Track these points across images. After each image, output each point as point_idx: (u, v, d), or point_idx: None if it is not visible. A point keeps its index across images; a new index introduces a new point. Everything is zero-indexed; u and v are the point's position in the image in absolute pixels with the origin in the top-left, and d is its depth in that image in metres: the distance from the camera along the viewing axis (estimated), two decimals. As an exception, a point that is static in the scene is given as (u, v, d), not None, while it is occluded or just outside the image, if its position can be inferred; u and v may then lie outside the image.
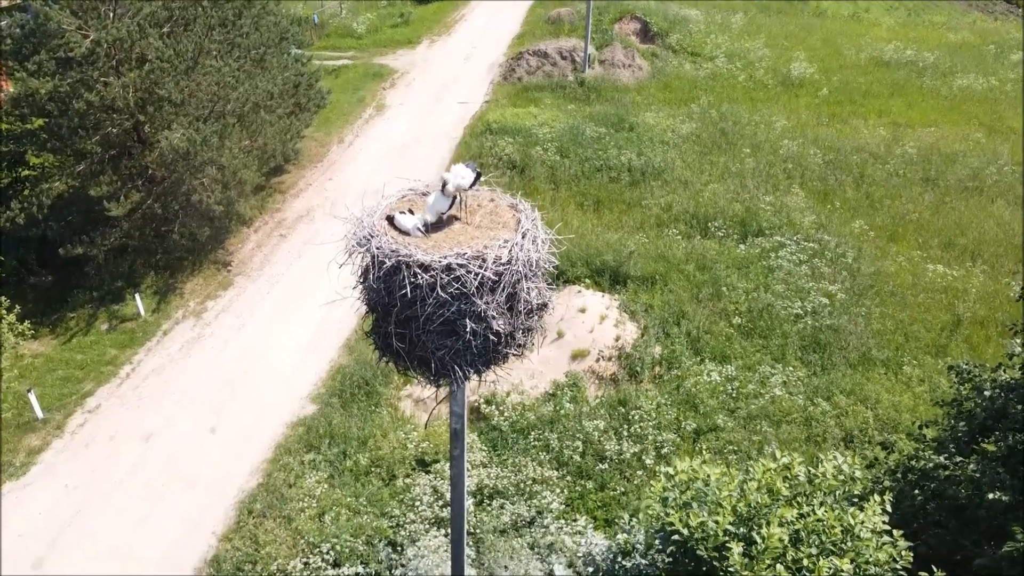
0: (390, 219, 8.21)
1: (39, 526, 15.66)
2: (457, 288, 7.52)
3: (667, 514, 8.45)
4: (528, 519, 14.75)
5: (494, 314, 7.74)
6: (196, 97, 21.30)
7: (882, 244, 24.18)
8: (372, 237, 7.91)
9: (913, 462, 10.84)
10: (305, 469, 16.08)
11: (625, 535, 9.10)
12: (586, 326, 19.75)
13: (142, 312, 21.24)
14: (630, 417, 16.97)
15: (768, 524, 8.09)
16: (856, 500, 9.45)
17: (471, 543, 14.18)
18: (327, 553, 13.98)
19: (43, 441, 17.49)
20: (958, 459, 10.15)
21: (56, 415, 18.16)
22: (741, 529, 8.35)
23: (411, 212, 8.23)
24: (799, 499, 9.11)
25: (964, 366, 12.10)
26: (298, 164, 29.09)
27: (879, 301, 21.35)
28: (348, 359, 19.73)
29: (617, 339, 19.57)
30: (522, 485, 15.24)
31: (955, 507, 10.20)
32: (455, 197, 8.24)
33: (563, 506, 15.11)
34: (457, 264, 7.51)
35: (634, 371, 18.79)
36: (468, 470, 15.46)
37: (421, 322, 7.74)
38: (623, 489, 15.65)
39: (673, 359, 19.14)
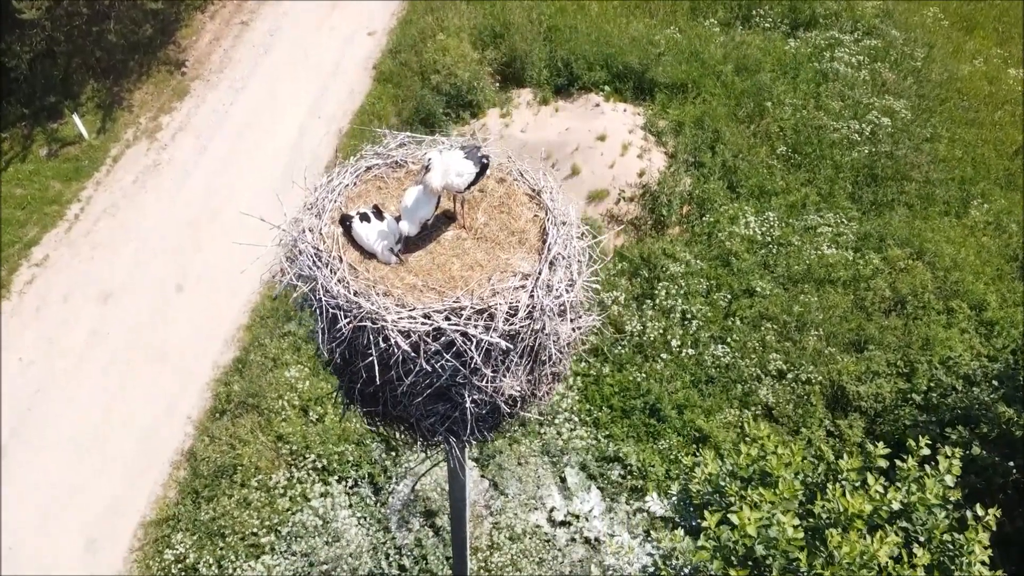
0: (346, 224, 5.40)
1: (-5, 409, 14.17)
2: (451, 360, 4.98)
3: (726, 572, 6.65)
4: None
5: (505, 377, 5.26)
6: None
7: (956, 37, 20.35)
8: (319, 268, 5.17)
9: (1015, 431, 8.86)
10: (284, 349, 14.19)
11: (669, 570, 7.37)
12: (605, 159, 16.81)
13: (84, 134, 18.07)
14: (655, 290, 14.76)
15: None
16: (948, 508, 7.66)
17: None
18: (313, 463, 12.53)
19: (-12, 304, 15.48)
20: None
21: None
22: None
23: (378, 212, 5.39)
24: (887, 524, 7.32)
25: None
26: (257, -79, 23.86)
27: (948, 118, 18.20)
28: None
29: (641, 174, 16.75)
30: (531, 376, 13.44)
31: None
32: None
33: (578, 398, 13.46)
34: (451, 328, 4.89)
35: (660, 215, 16.25)
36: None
37: (400, 391, 5.29)
38: (645, 374, 13.90)
39: (705, 198, 16.51)
